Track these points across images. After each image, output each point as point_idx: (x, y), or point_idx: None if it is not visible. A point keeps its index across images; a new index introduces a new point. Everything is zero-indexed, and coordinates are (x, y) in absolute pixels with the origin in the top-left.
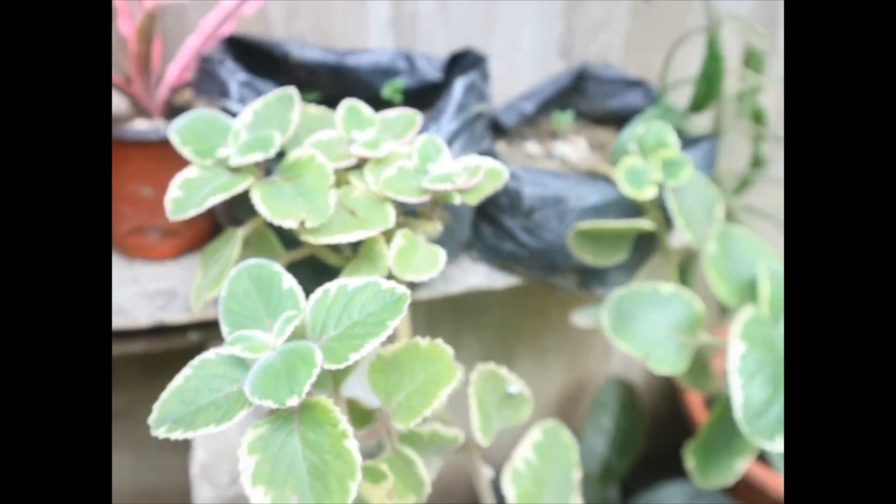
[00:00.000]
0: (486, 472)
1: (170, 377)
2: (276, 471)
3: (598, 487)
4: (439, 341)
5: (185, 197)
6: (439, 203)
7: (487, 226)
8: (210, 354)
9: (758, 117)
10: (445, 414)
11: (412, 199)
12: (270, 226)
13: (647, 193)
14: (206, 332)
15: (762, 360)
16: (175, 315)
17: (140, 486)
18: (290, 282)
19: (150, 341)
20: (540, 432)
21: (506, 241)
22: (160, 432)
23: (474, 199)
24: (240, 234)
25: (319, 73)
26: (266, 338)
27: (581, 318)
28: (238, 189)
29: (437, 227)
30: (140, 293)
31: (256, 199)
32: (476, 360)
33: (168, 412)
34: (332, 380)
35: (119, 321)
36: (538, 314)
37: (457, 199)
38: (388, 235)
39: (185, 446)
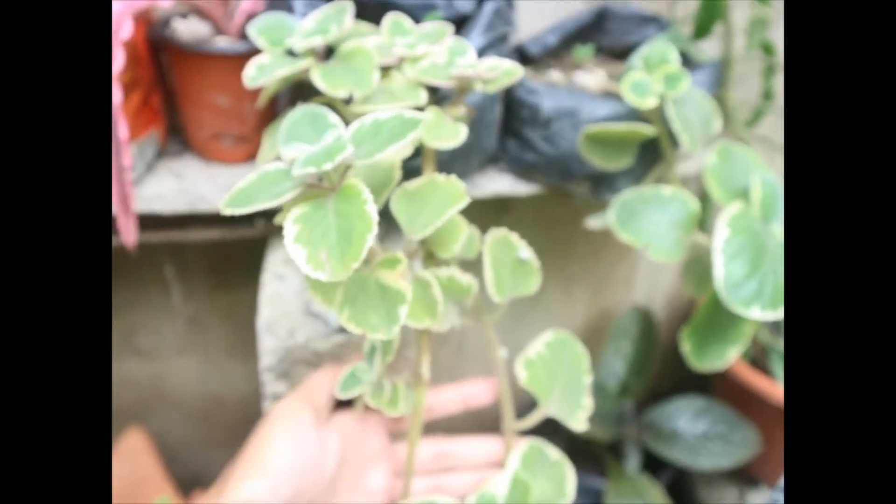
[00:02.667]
0: (502, 351)
1: (233, 291)
2: (313, 234)
3: (614, 401)
4: (453, 177)
5: (258, 73)
6: (465, 91)
7: (512, 139)
8: (269, 167)
9: (768, 50)
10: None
11: (441, 82)
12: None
13: (648, 102)
14: (269, 225)
15: (743, 245)
16: None
17: (206, 391)
18: (335, 118)
19: (224, 229)
20: (553, 334)
21: (527, 152)
22: (227, 210)
23: (494, 88)
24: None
25: (372, 7)
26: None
27: (593, 222)
28: (301, 66)
29: (461, 110)
30: (217, 186)
31: (315, 76)
32: None
33: (234, 199)
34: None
35: (201, 206)
36: (564, 244)
37: (479, 86)
38: None
39: (249, 354)
